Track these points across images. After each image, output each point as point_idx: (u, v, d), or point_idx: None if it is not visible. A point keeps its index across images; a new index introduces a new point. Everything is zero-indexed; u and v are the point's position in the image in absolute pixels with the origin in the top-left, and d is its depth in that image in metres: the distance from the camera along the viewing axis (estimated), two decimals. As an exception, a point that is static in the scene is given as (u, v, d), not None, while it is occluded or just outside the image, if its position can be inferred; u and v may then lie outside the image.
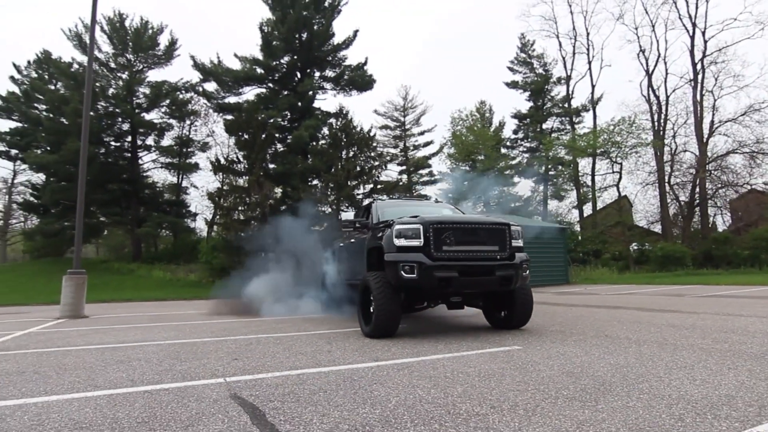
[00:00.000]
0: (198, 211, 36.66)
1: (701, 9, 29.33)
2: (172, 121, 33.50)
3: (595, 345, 4.35)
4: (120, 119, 30.21)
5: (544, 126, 38.31)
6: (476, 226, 5.30)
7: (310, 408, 2.49)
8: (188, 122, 34.99)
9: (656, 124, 31.94)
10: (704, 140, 30.12)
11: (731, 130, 29.83)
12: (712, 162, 30.06)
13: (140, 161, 32.43)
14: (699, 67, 29.99)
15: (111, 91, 29.83)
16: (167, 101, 32.06)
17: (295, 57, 29.36)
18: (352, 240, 7.02)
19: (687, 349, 4.04)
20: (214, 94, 30.15)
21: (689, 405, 2.40)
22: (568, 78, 35.78)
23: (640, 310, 7.81)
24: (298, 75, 29.99)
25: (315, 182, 26.92)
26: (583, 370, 3.28)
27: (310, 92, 29.18)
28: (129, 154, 31.62)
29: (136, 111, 30.54)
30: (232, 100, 30.03)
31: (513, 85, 38.76)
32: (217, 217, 28.34)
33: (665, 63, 31.76)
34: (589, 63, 34.38)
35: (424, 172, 38.04)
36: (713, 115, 30.66)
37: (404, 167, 37.96)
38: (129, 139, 31.43)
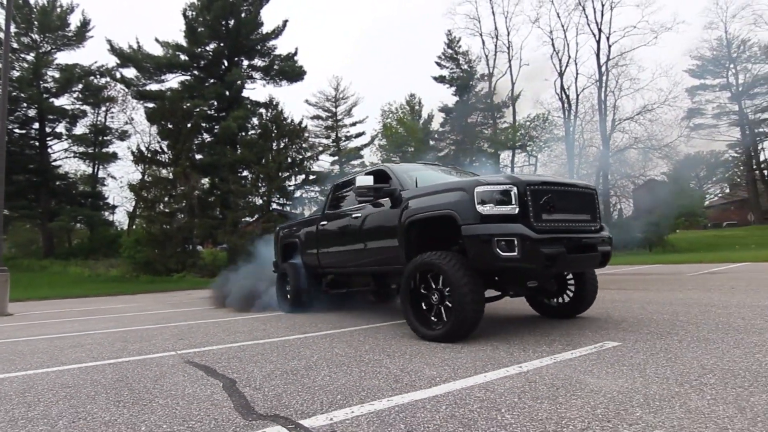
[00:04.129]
0: (117, 203, 34.89)
1: (606, 16, 32.60)
2: (86, 108, 31.49)
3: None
4: (25, 104, 27.90)
5: (469, 120, 40.52)
6: (573, 189, 4.29)
7: (251, 364, 3.27)
8: (104, 109, 33.05)
9: (567, 120, 35.20)
10: (607, 136, 33.81)
11: (629, 127, 33.75)
12: (613, 156, 33.84)
13: (50, 150, 30.21)
14: (604, 69, 33.44)
15: (14, 73, 27.38)
16: (80, 86, 30.07)
17: (222, 45, 28.74)
18: (355, 216, 5.42)
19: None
20: (133, 81, 28.73)
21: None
22: (491, 75, 38.09)
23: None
24: (225, 63, 29.38)
25: (245, 173, 26.78)
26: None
27: (238, 81, 28.74)
28: (37, 143, 29.32)
29: (44, 96, 28.37)
30: (153, 87, 28.83)
31: (440, 79, 40.46)
32: (140, 209, 27.31)
33: (576, 64, 34.99)
34: (510, 62, 36.85)
35: (356, 162, 38.86)
36: (614, 113, 34.45)
37: (336, 157, 38.51)
38: (36, 126, 29.14)
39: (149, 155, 25.51)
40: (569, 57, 34.80)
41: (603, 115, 34.06)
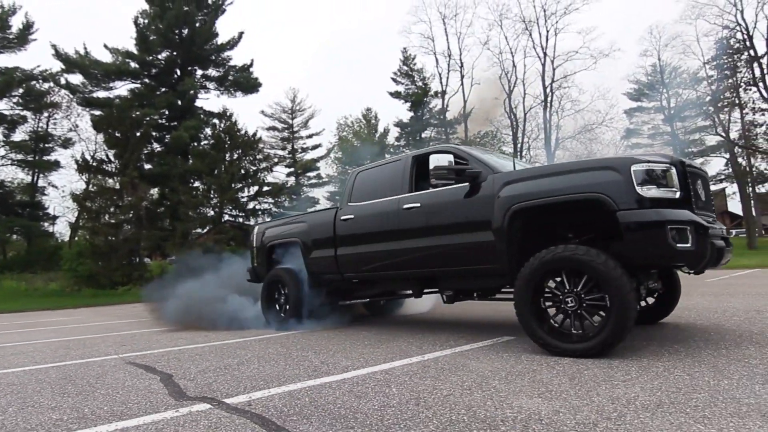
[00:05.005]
0: (58, 213, 33.28)
1: (551, 41, 34.83)
2: (27, 113, 30.03)
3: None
4: (-43, 108, 26.37)
5: (423, 135, 41.83)
6: (706, 175, 3.78)
7: (189, 362, 3.61)
8: (46, 115, 31.62)
9: (515, 138, 37.15)
10: (552, 153, 35.94)
11: (571, 146, 36.11)
12: (557, 172, 36.05)
13: (-15, 157, 28.57)
14: (549, 90, 35.65)
15: (-55, 75, 25.88)
16: (20, 91, 28.70)
17: (175, 53, 28.36)
18: (409, 206, 4.42)
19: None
20: (79, 87, 27.78)
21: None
22: (444, 92, 39.60)
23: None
24: (178, 72, 28.99)
25: (197, 184, 26.40)
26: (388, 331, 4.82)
27: (191, 91, 28.40)
28: (-30, 149, 27.68)
29: (-21, 100, 26.91)
30: (101, 94, 27.99)
31: (396, 95, 41.57)
32: (83, 220, 26.26)
33: (524, 85, 36.98)
34: (462, 80, 38.47)
35: (312, 174, 39.07)
36: (558, 132, 36.73)
37: (292, 169, 38.56)
38: (-31, 131, 27.54)
39: (94, 164, 24.75)
40: (516, 78, 36.87)
41: (548, 134, 36.25)
